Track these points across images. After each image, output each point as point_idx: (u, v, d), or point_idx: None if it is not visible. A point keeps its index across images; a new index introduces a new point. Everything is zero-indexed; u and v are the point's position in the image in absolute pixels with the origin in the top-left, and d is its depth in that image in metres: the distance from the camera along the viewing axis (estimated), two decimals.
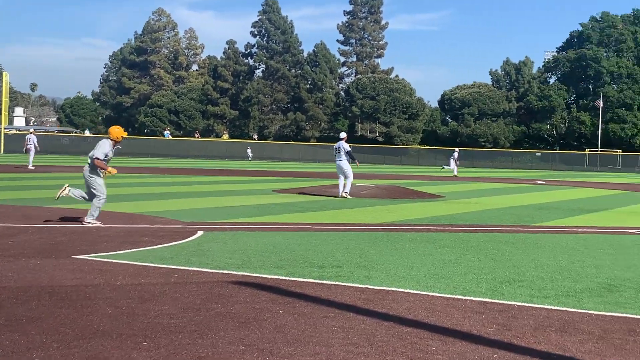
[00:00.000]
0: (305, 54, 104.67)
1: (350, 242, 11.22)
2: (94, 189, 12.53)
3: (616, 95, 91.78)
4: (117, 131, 12.81)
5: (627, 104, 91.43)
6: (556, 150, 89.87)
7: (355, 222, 14.46)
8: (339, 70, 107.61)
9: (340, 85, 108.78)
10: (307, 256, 9.59)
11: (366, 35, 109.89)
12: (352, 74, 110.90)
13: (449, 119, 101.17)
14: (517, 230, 13.78)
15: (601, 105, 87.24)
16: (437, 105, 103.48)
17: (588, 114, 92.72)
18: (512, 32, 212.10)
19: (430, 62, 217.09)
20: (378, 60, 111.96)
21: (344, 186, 21.42)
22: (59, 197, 12.85)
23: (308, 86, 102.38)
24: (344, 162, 21.61)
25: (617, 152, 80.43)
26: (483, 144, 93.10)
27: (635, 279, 8.51)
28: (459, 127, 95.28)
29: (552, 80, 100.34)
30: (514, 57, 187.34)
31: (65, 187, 12.78)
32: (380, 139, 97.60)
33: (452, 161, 46.23)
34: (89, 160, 12.52)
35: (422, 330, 5.84)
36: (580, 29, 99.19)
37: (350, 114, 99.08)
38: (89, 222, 12.43)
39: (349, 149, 22.06)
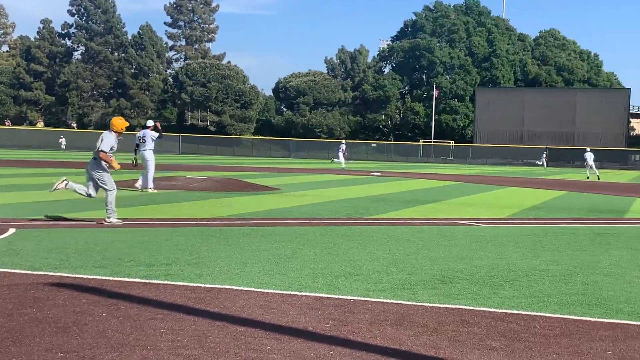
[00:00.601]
0: (129, 36, 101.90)
1: (180, 238, 11.08)
2: (103, 183, 12.66)
3: (449, 86, 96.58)
4: (120, 122, 12.91)
5: (459, 94, 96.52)
6: (391, 141, 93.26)
7: (186, 217, 14.30)
8: (166, 55, 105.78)
9: (168, 70, 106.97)
10: (133, 254, 9.37)
11: (196, 18, 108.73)
12: (181, 58, 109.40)
13: (284, 108, 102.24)
14: (353, 223, 14.18)
15: (436, 94, 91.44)
16: (272, 94, 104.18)
17: (422, 105, 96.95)
18: (348, 18, 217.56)
19: (265, 48, 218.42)
20: (209, 45, 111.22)
21: (145, 180, 20.66)
22: (55, 189, 12.76)
23: (133, 71, 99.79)
24: (148, 153, 21.04)
25: (449, 143, 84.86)
26: (319, 134, 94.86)
27: (467, 270, 9.02)
28: (294, 117, 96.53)
29: (386, 70, 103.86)
30: (350, 45, 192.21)
31: (63, 180, 12.64)
32: (212, 129, 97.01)
33: (340, 154, 47.78)
34: (94, 155, 12.64)
35: (257, 329, 5.87)
36: (414, 18, 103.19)
37: (179, 102, 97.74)
38: (111, 221, 12.50)
39: (157, 136, 21.29)
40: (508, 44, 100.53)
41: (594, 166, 45.12)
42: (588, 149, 50.02)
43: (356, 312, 6.61)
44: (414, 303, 7.08)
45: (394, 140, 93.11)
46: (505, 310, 6.87)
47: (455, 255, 10.32)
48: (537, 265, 9.56)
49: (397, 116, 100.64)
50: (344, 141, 52.60)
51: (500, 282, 8.30)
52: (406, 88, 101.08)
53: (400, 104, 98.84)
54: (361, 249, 10.63)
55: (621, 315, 6.80)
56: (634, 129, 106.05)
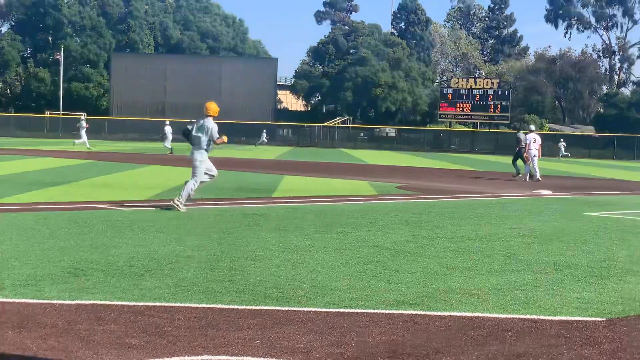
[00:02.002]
0: None
1: None
2: (195, 172, 14.92)
3: (79, 50, 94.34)
4: (214, 107, 14.94)
5: (92, 60, 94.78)
6: (11, 113, 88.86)
7: None
8: None
9: None
10: None
11: None
12: None
13: None
14: None
15: (60, 59, 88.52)
16: None
17: (48, 71, 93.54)
18: None
19: None
20: None
21: None
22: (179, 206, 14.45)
23: None
24: None
25: (81, 115, 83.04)
26: None
27: (102, 261, 8.94)
28: None
29: (4, 29, 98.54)
30: None
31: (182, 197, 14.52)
32: None
33: (82, 132, 47.02)
34: (203, 146, 14.79)
35: None
36: None
37: None
38: (177, 204, 14.42)
39: None
40: (147, 5, 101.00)
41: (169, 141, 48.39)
42: (167, 121, 52.50)
43: None
44: (40, 301, 6.87)
45: (14, 112, 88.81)
46: (146, 303, 6.94)
47: (88, 244, 10.18)
48: (181, 252, 9.79)
49: (18, 84, 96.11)
50: (83, 116, 51.81)
51: (140, 272, 8.36)
52: (29, 51, 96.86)
53: (22, 70, 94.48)
54: None
55: (269, 301, 7.23)
56: (281, 102, 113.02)
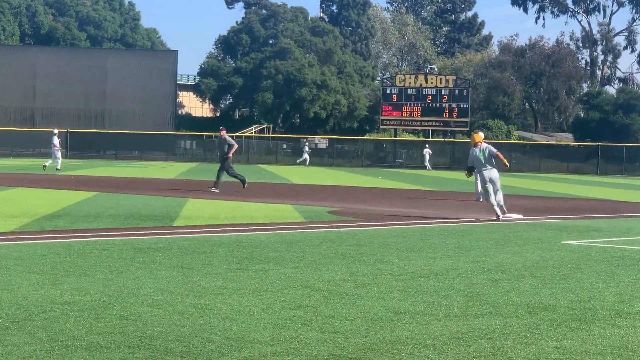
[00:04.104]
0: None
1: None
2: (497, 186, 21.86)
3: None
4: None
5: None
6: None
7: None
8: None
9: None
10: None
11: None
12: None
13: None
14: None
15: None
16: None
17: None
18: None
19: None
20: None
21: None
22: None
23: None
24: None
25: None
26: None
27: None
28: None
29: None
30: None
31: None
32: None
33: None
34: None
35: None
36: None
37: None
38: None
39: None
40: None
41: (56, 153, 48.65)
42: (55, 131, 52.47)
43: None
44: None
45: None
46: None
47: None
48: (57, 297, 9.65)
49: None
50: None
51: (5, 324, 8.23)
52: None
53: None
54: None
55: (171, 357, 7.17)
56: (182, 106, 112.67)
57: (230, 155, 31.62)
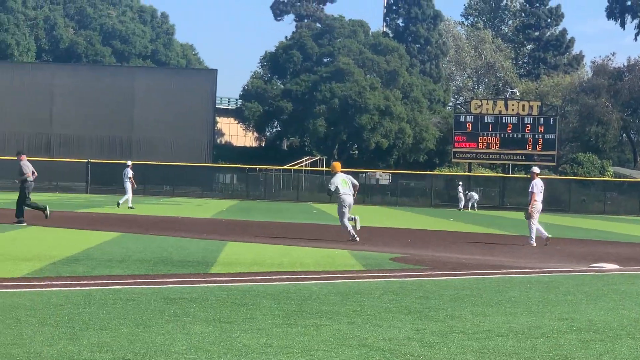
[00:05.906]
0: None
1: None
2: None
3: None
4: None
5: None
6: None
7: None
8: None
9: None
10: None
11: None
12: None
13: None
14: None
15: None
16: None
17: None
18: None
19: None
20: None
21: None
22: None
23: None
24: None
25: None
26: None
27: None
28: None
29: None
30: None
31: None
32: None
33: None
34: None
35: None
36: None
37: None
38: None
39: None
40: None
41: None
42: (129, 162, 53.16)
43: None
44: None
45: None
46: None
47: None
48: (75, 354, 9.70)
49: None
50: None
51: None
52: None
53: None
54: None
55: None
56: (222, 134, 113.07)
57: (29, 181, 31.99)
